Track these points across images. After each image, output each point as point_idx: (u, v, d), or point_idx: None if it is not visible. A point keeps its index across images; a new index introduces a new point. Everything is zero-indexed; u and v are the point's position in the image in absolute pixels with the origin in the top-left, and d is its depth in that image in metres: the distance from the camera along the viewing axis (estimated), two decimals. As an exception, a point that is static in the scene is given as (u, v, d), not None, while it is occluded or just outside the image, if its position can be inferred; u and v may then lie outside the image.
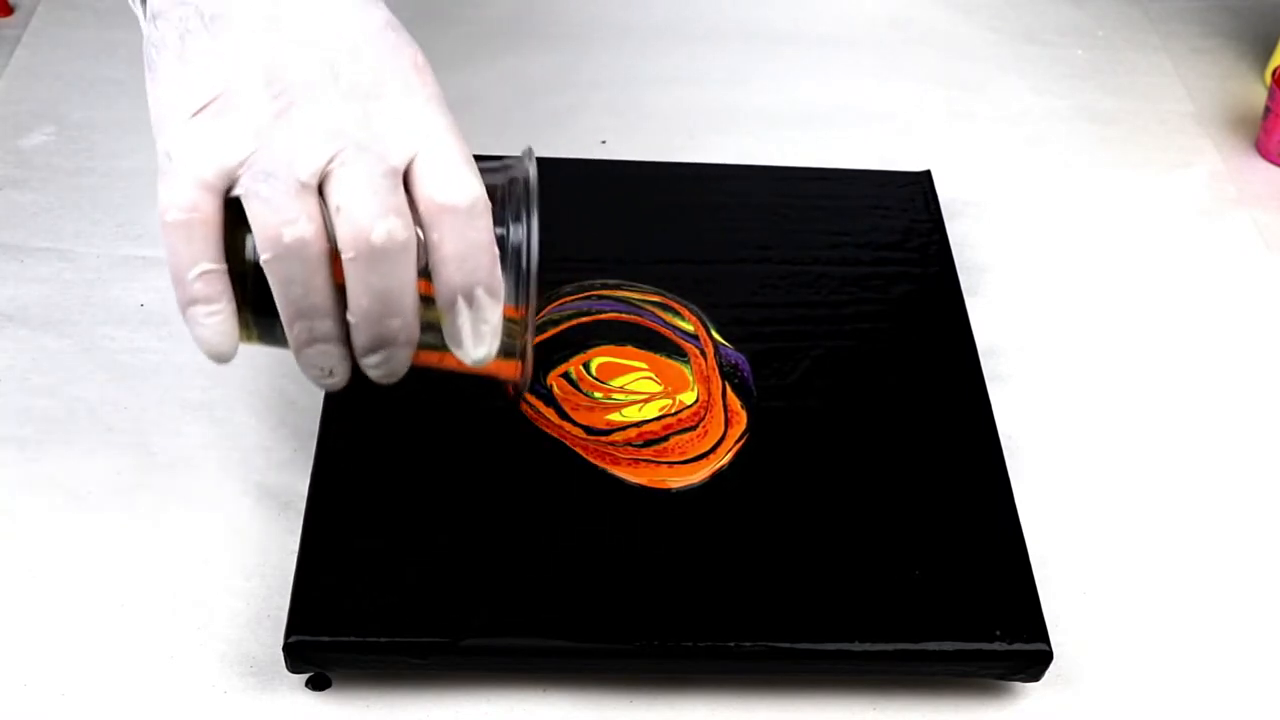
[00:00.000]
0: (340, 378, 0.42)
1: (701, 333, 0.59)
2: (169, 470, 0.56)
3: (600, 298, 0.60)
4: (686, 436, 0.55)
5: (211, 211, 0.38)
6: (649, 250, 0.62)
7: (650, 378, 0.57)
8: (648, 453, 0.54)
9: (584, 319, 0.59)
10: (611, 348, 0.58)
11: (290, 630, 0.48)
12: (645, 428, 0.55)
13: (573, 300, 0.60)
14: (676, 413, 0.56)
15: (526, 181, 0.43)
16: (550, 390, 0.56)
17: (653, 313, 0.60)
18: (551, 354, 0.57)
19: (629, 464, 0.54)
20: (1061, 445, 0.60)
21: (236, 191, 0.38)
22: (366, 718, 0.49)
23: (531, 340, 0.44)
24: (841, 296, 0.62)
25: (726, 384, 0.57)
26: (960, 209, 0.71)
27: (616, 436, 0.54)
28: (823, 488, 0.54)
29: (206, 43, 0.39)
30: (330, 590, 0.49)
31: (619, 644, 0.49)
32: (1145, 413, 0.62)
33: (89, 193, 0.68)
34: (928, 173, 0.69)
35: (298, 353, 0.41)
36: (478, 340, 0.41)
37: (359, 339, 0.40)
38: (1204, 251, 0.71)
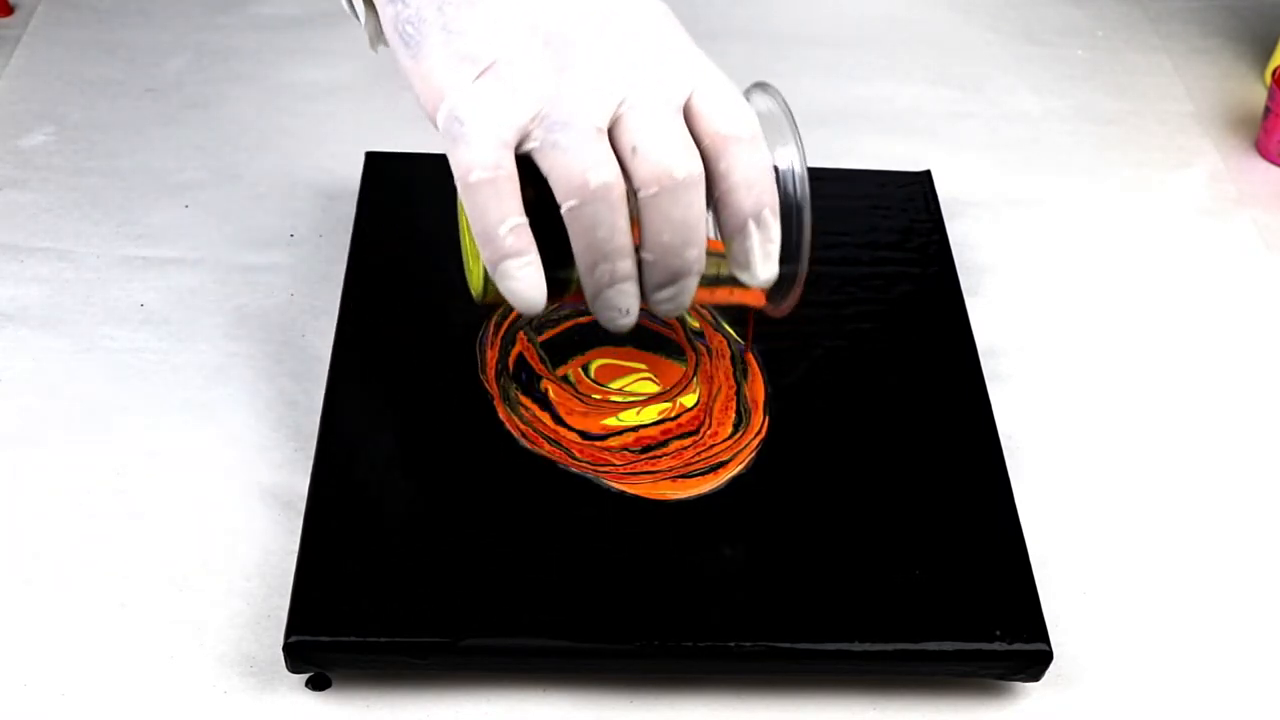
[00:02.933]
0: (634, 316, 0.43)
1: (708, 328, 0.59)
2: (169, 470, 0.56)
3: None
4: (686, 442, 0.55)
5: (511, 168, 0.40)
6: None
7: (650, 378, 0.57)
8: (644, 464, 0.54)
9: (582, 319, 0.59)
10: (611, 349, 0.58)
11: (290, 630, 0.48)
12: (643, 432, 0.55)
13: (571, 301, 0.59)
14: (676, 417, 0.56)
15: (781, 111, 0.45)
16: (546, 394, 0.56)
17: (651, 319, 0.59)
18: (551, 356, 0.57)
19: (626, 477, 0.53)
20: (1061, 445, 0.60)
21: (530, 145, 0.40)
22: (366, 718, 0.49)
23: (804, 269, 0.45)
24: (841, 296, 0.62)
25: (741, 383, 0.57)
26: (960, 209, 0.71)
27: (613, 442, 0.54)
28: (823, 488, 0.54)
29: (469, 12, 0.40)
30: (330, 590, 0.49)
31: (619, 644, 0.49)
32: (1145, 413, 0.62)
33: (89, 193, 0.68)
34: (928, 173, 0.69)
35: (597, 295, 0.42)
36: (766, 261, 0.43)
37: (655, 275, 0.42)
38: (1204, 251, 0.71)
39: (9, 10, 0.79)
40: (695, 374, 0.57)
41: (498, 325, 0.58)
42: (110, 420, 0.57)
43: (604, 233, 0.40)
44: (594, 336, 0.58)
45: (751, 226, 0.42)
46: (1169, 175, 0.76)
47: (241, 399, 0.59)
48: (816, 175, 0.67)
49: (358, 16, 0.48)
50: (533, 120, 0.39)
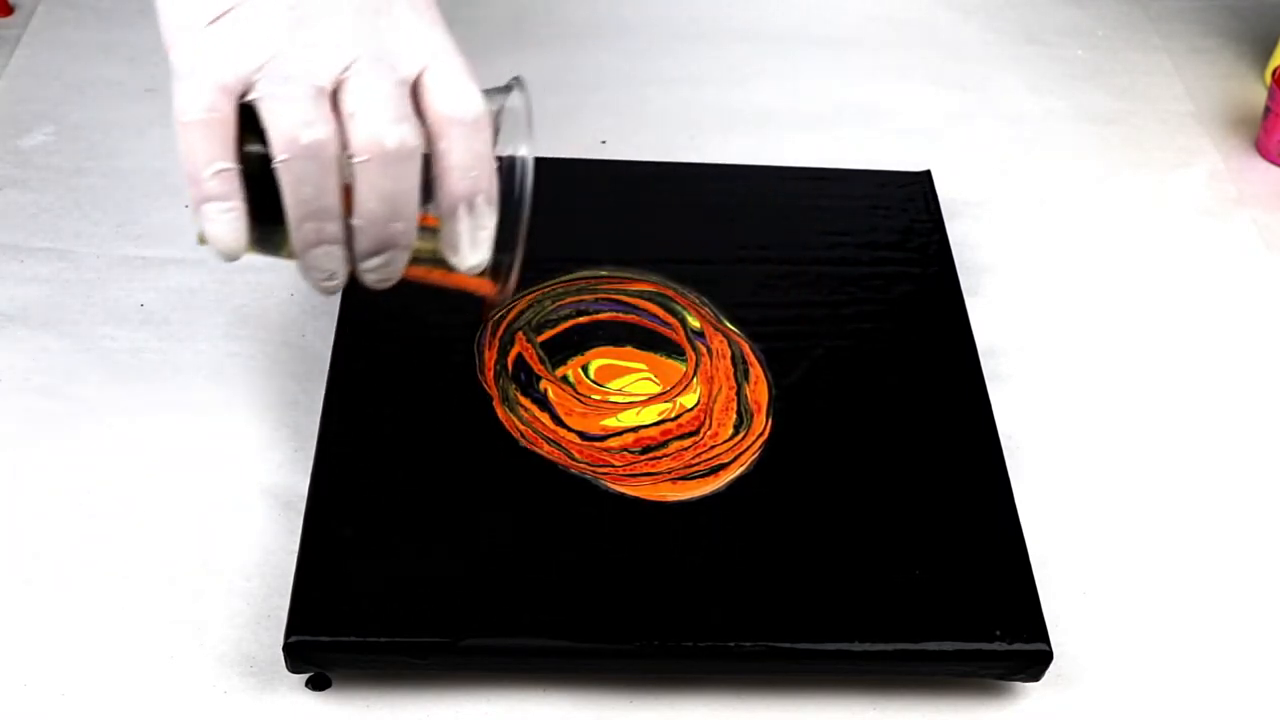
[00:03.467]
0: (340, 280, 0.44)
1: (709, 328, 0.59)
2: (169, 470, 0.56)
3: (599, 299, 0.60)
4: (686, 443, 0.55)
5: (228, 113, 0.40)
6: (649, 250, 0.62)
7: (650, 378, 0.57)
8: (644, 464, 0.54)
9: (582, 319, 0.59)
10: (610, 349, 0.58)
11: (290, 630, 0.48)
12: (643, 433, 0.55)
13: (571, 301, 0.60)
14: (676, 417, 0.56)
15: (522, 107, 0.45)
16: (545, 395, 0.56)
17: (654, 312, 0.59)
18: (550, 356, 0.57)
19: (626, 479, 0.53)
20: (1061, 445, 0.60)
21: (252, 95, 0.40)
22: (366, 718, 0.49)
23: (519, 261, 0.46)
24: (841, 296, 0.62)
25: (742, 383, 0.57)
26: (960, 209, 0.70)
27: (612, 443, 0.54)
28: (823, 488, 0.54)
29: None
30: (330, 590, 0.49)
31: (619, 644, 0.49)
32: (1145, 413, 0.62)
33: (89, 193, 0.68)
34: (928, 173, 0.69)
35: (303, 254, 0.42)
36: (475, 247, 0.43)
37: (362, 243, 0.42)
38: (1204, 251, 0.71)
39: (9, 10, 0.79)
40: (695, 374, 0.57)
41: (495, 326, 0.58)
42: (110, 420, 0.57)
43: (311, 191, 0.40)
44: (594, 337, 0.58)
45: (462, 211, 0.42)
46: (1169, 175, 0.76)
47: (241, 399, 0.59)
48: (817, 175, 0.68)
49: None
50: (257, 70, 0.40)
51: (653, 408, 0.56)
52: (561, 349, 0.58)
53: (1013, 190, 0.73)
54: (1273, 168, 0.77)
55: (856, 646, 0.49)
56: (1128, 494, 0.59)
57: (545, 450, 0.54)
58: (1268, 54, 0.84)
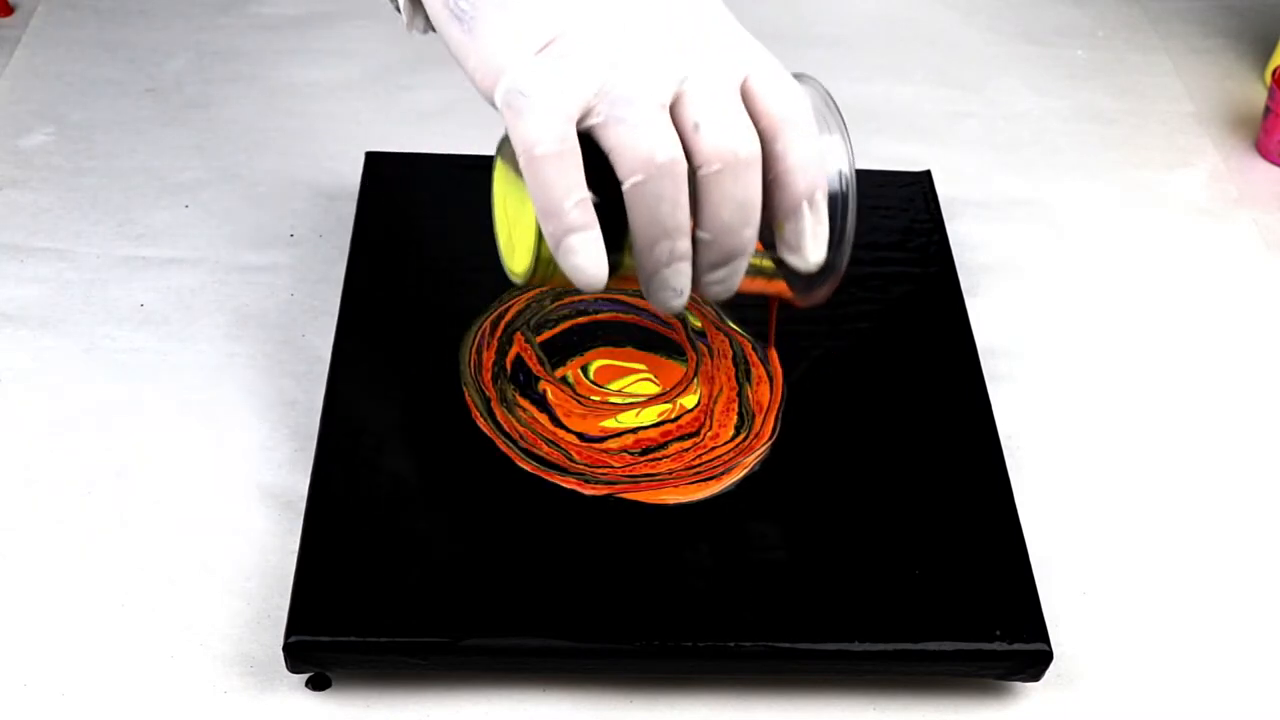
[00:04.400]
0: (687, 296, 0.43)
1: (710, 328, 0.59)
2: (169, 470, 0.56)
3: (599, 299, 0.60)
4: (686, 444, 0.55)
5: (575, 142, 0.39)
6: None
7: (650, 379, 0.57)
8: (644, 466, 0.54)
9: (581, 319, 0.59)
10: (610, 350, 0.58)
11: (290, 630, 0.48)
12: (642, 434, 0.55)
13: (570, 301, 0.59)
14: (676, 418, 0.56)
15: (826, 98, 0.45)
16: (544, 396, 0.56)
17: (654, 312, 0.59)
18: (549, 357, 0.57)
19: (626, 483, 0.53)
20: (1061, 445, 0.60)
21: (592, 121, 0.39)
22: (366, 718, 0.49)
23: (848, 257, 0.46)
24: (841, 296, 0.61)
25: (744, 384, 0.57)
26: (960, 209, 0.71)
27: (611, 444, 0.54)
28: (822, 487, 0.54)
29: None
30: (330, 590, 0.49)
31: (619, 644, 0.49)
32: (1145, 413, 0.62)
33: (89, 193, 0.68)
34: (928, 173, 0.69)
35: (653, 274, 0.42)
36: (816, 244, 0.43)
37: (710, 255, 0.42)
38: (1204, 251, 0.71)
39: (9, 10, 0.79)
40: (696, 374, 0.57)
41: (493, 327, 0.58)
42: (110, 420, 0.57)
43: (667, 209, 0.40)
44: (593, 337, 0.58)
45: (805, 208, 0.42)
46: (1169, 175, 0.76)
47: (241, 399, 0.59)
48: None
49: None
50: (596, 95, 0.39)
51: (653, 409, 0.56)
52: (561, 349, 0.58)
53: (1013, 190, 0.73)
54: (1273, 168, 0.77)
55: (856, 646, 0.49)
56: (1128, 494, 0.59)
57: (544, 452, 0.54)
58: (1268, 54, 0.84)
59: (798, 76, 0.46)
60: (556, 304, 0.59)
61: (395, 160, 0.66)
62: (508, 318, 0.58)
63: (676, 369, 0.58)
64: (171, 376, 0.59)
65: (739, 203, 0.41)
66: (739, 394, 0.57)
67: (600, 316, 0.59)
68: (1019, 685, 0.52)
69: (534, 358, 0.57)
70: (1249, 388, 0.64)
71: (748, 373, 0.57)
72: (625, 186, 0.39)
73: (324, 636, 0.48)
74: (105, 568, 0.52)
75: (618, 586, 0.50)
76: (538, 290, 0.60)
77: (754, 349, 0.58)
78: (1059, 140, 0.78)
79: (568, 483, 0.53)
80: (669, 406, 0.56)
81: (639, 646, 0.49)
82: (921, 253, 0.64)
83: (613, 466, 0.53)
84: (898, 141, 0.75)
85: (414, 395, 0.56)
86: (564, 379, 0.57)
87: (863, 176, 0.68)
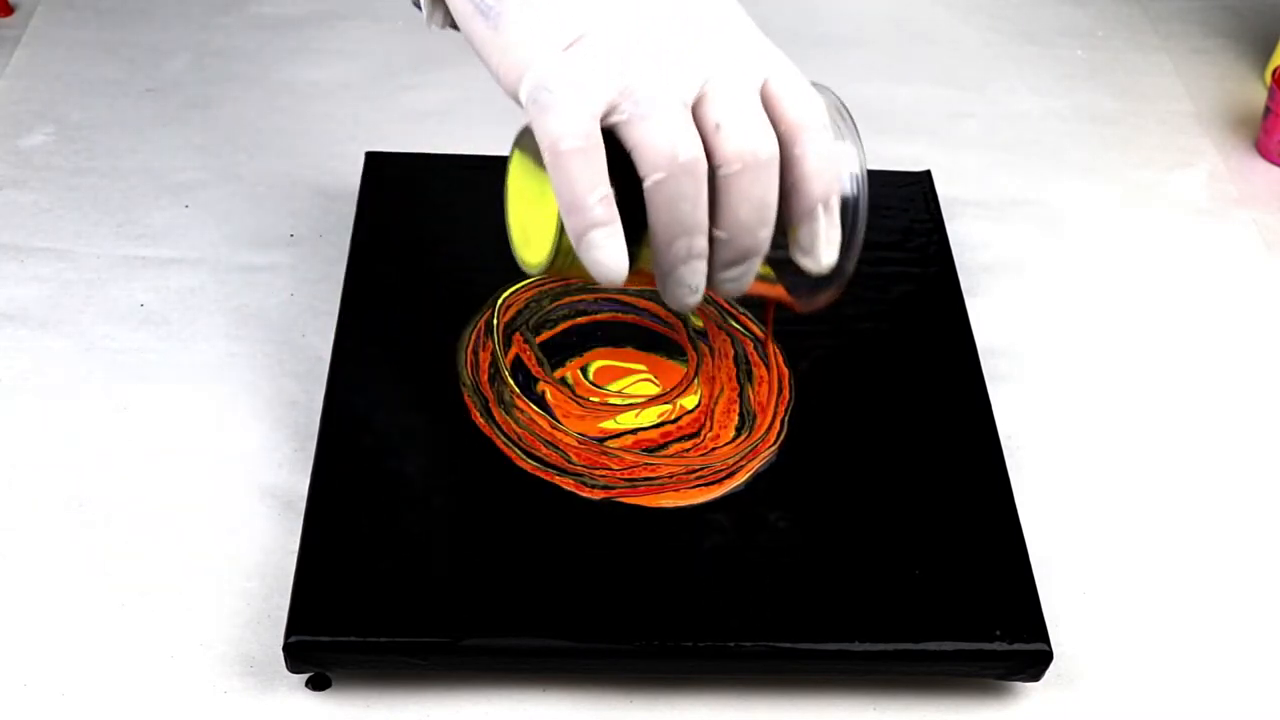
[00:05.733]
0: (702, 293, 0.43)
1: (712, 327, 0.59)
2: (169, 471, 0.56)
3: (598, 299, 0.60)
4: (686, 445, 0.55)
5: (599, 138, 0.40)
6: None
7: (650, 379, 0.57)
8: (643, 470, 0.54)
9: (581, 319, 0.59)
10: (610, 350, 0.58)
11: (290, 630, 0.48)
12: (642, 435, 0.55)
13: (570, 300, 0.59)
14: (676, 419, 0.56)
15: (839, 105, 0.46)
16: (543, 396, 0.56)
17: (655, 312, 0.59)
18: (549, 357, 0.57)
19: (626, 487, 0.53)
20: (1062, 445, 0.60)
21: (616, 119, 0.40)
22: (366, 718, 0.49)
23: (855, 263, 0.46)
24: (841, 296, 0.61)
25: (745, 385, 0.57)
26: (960, 209, 0.71)
27: (611, 445, 0.54)
28: (823, 488, 0.54)
29: None
30: (330, 590, 0.49)
31: (619, 644, 0.49)
32: (1145, 412, 0.62)
33: (89, 193, 0.68)
34: (928, 173, 0.69)
35: (670, 271, 0.42)
36: (829, 247, 0.44)
37: (725, 254, 0.42)
38: (1204, 251, 0.71)
39: (9, 10, 0.79)
40: (696, 375, 0.57)
41: (488, 327, 0.58)
42: (110, 420, 0.57)
43: (688, 206, 0.40)
44: (592, 337, 0.58)
45: (820, 211, 0.43)
46: (1169, 175, 0.76)
47: (241, 399, 0.59)
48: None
49: None
50: (620, 93, 0.40)
51: (652, 409, 0.56)
52: (560, 350, 0.58)
53: (1013, 190, 0.73)
54: (1273, 168, 0.77)
55: (856, 646, 0.49)
56: (1128, 494, 0.59)
57: (543, 453, 0.54)
58: (1268, 54, 0.84)
59: (815, 85, 0.46)
60: (556, 304, 0.59)
61: (395, 160, 0.66)
62: (506, 318, 0.58)
63: (677, 369, 0.58)
64: (171, 376, 0.59)
65: (757, 203, 0.41)
66: (740, 394, 0.57)
67: (600, 317, 0.59)
68: (1019, 685, 0.52)
69: (533, 358, 0.57)
70: (1249, 388, 0.64)
71: (749, 373, 0.57)
72: (647, 184, 0.40)
73: (324, 636, 0.48)
74: (105, 568, 0.52)
75: (617, 586, 0.50)
76: (536, 290, 0.60)
77: (755, 349, 0.58)
78: (1059, 140, 0.78)
79: (566, 484, 0.53)
80: (669, 407, 0.56)
81: (639, 646, 0.49)
82: (921, 253, 0.64)
83: (611, 469, 0.53)
84: (898, 141, 0.75)
85: (414, 395, 0.56)
86: (563, 380, 0.57)
87: (863, 177, 0.68)
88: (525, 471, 0.53)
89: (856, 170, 0.45)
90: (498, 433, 0.54)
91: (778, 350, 0.58)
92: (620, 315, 0.59)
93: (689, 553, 0.51)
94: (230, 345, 0.61)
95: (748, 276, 0.44)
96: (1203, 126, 0.79)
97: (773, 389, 0.57)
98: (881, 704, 0.51)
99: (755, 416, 0.56)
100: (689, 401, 0.56)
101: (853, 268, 0.46)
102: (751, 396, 0.57)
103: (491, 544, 0.51)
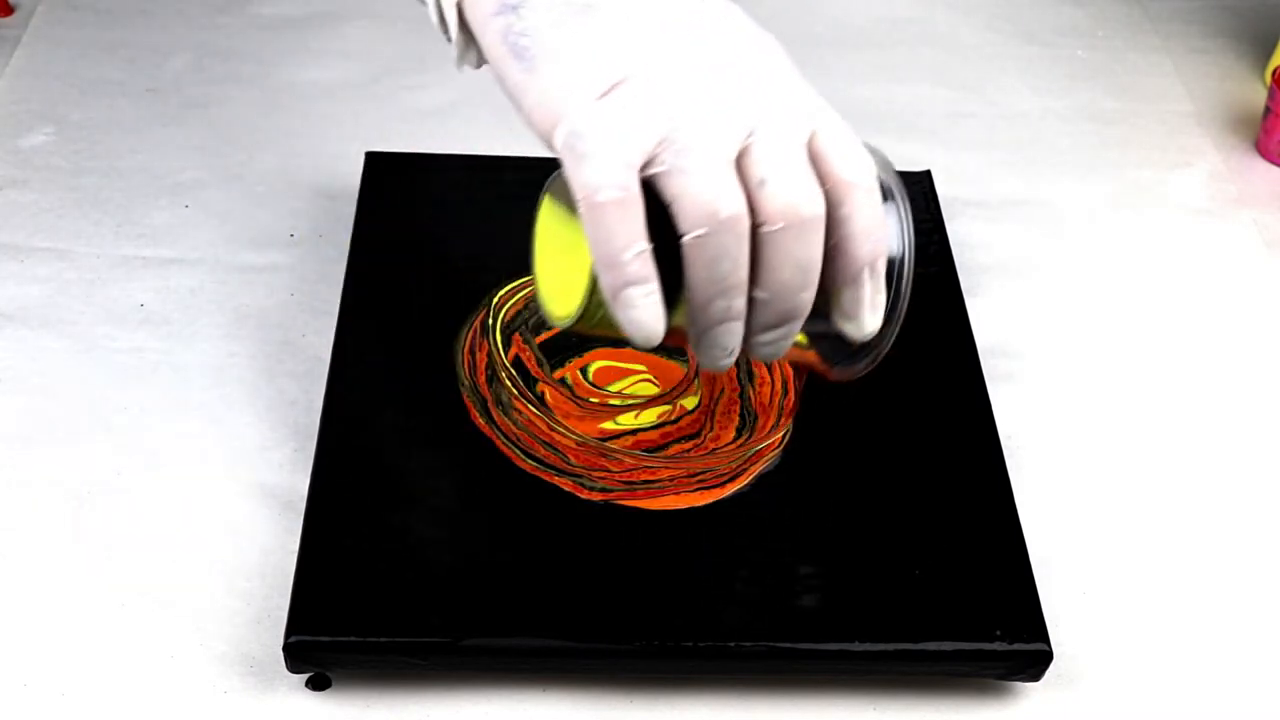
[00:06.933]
0: (736, 356, 0.41)
1: None
2: (169, 470, 0.56)
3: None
4: (686, 445, 0.55)
5: (638, 191, 0.37)
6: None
7: (650, 380, 0.57)
8: (643, 473, 0.54)
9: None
10: (610, 350, 0.58)
11: (290, 630, 0.48)
12: (641, 436, 0.55)
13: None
14: (676, 420, 0.56)
15: (887, 161, 0.43)
16: (543, 397, 0.56)
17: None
18: (549, 358, 0.57)
19: (626, 490, 0.53)
20: (1062, 445, 0.60)
21: (655, 170, 0.37)
22: (366, 718, 0.49)
23: (900, 323, 0.43)
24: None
25: (746, 385, 0.57)
26: (960, 209, 0.71)
27: (611, 445, 0.54)
28: (822, 488, 0.54)
29: (587, 31, 0.39)
30: (330, 590, 0.49)
31: (619, 644, 0.49)
32: (1145, 412, 0.62)
33: (89, 193, 0.68)
34: (928, 173, 0.69)
35: (705, 332, 0.40)
36: (873, 312, 0.41)
37: (764, 316, 0.40)
38: (1204, 251, 0.71)
39: (9, 10, 0.79)
40: (696, 375, 0.57)
41: (484, 327, 0.58)
42: (110, 420, 0.57)
43: (728, 266, 0.38)
44: (592, 337, 0.58)
45: (866, 275, 0.40)
46: (1169, 175, 0.76)
47: (241, 399, 0.59)
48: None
49: (446, 32, 0.44)
50: (660, 144, 0.37)
51: (652, 410, 0.56)
52: (560, 350, 0.58)
53: (1013, 190, 0.73)
54: (1273, 168, 0.77)
55: (856, 646, 0.49)
56: (1128, 494, 0.59)
57: (542, 454, 0.54)
58: (1268, 54, 0.84)
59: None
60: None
61: (395, 160, 0.66)
62: (506, 318, 0.58)
63: (677, 370, 0.58)
64: (171, 376, 0.59)
65: (800, 264, 0.39)
66: (741, 395, 0.57)
67: (600, 316, 0.59)
68: (1019, 685, 0.52)
69: (533, 359, 0.57)
70: (1249, 387, 0.64)
71: (750, 373, 0.57)
72: (685, 239, 0.38)
73: (324, 636, 0.48)
74: (105, 568, 0.52)
75: (617, 586, 0.50)
76: (534, 289, 0.59)
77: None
78: (1059, 140, 0.78)
79: (565, 484, 0.53)
80: (669, 408, 0.56)
81: (639, 646, 0.49)
82: (921, 253, 0.63)
83: (610, 472, 0.53)
84: (898, 141, 0.75)
85: (414, 395, 0.56)
86: (563, 380, 0.57)
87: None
88: (525, 472, 0.53)
89: (906, 233, 0.43)
90: (497, 433, 0.54)
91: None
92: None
93: (689, 553, 0.51)
94: (230, 345, 0.61)
95: (786, 340, 0.41)
96: (1203, 126, 0.79)
97: (776, 390, 0.57)
98: (881, 704, 0.51)
99: (757, 417, 0.56)
100: (689, 402, 0.56)
101: (893, 338, 0.43)
102: (753, 397, 0.57)
103: (491, 544, 0.51)
